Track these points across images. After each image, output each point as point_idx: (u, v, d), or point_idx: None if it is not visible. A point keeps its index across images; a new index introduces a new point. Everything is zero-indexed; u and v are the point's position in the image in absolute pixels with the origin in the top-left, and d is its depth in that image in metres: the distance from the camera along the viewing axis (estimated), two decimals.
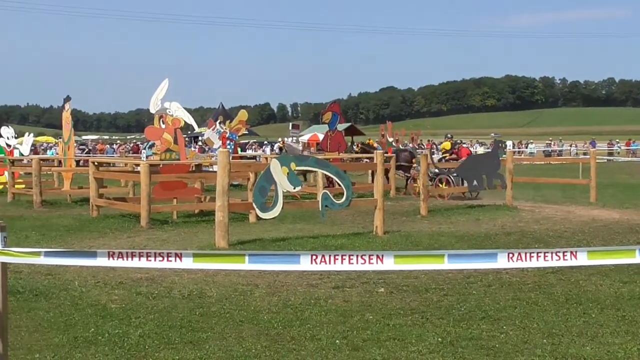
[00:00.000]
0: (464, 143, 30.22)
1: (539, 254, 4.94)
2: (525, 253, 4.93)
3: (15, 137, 29.00)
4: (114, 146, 73.07)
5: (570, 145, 72.80)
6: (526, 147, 72.06)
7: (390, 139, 34.03)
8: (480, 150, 57.77)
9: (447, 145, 29.27)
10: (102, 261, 5.23)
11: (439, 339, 6.94)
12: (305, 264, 5.06)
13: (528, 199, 22.29)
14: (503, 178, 20.00)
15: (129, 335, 7.12)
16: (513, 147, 60.61)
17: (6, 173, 24.59)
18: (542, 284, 9.51)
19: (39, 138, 75.41)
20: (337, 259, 5.00)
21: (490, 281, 9.65)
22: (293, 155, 20.36)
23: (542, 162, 52.19)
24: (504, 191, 20.35)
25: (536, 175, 32.57)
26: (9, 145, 28.11)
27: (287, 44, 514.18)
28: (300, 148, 26.21)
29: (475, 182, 19.51)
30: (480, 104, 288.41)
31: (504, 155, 20.79)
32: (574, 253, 4.96)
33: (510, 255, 4.93)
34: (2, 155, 27.28)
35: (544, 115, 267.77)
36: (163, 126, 18.06)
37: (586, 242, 13.50)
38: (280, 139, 28.44)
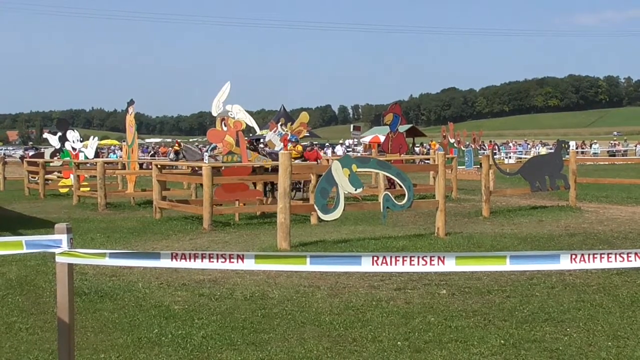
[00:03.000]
0: (315, 145, 28.99)
1: (603, 255, 4.85)
2: (589, 254, 4.85)
3: (81, 141, 29.52)
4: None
5: (636, 145, 71.32)
6: (590, 148, 70.93)
7: (452, 140, 33.84)
8: (543, 151, 57.11)
9: (298, 148, 28.69)
10: (165, 262, 5.29)
11: (502, 341, 6.87)
12: (366, 265, 5.05)
13: (592, 199, 21.95)
14: (566, 178, 19.70)
15: (192, 336, 7.20)
16: (576, 148, 59.72)
17: (72, 176, 25.05)
18: (606, 286, 9.33)
19: (104, 141, 76.72)
20: (399, 260, 4.99)
21: (553, 283, 9.52)
22: (197, 160, 20.25)
23: (607, 163, 51.28)
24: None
25: (600, 175, 32.00)
26: (74, 149, 28.64)
27: (348, 46, 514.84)
28: (196, 150, 24.23)
29: (537, 183, 19.24)
30: (542, 104, 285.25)
31: (567, 156, 20.49)
32: None
33: (573, 256, 4.85)
34: (68, 158, 27.82)
35: (608, 115, 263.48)
36: (225, 129, 18.22)
37: None
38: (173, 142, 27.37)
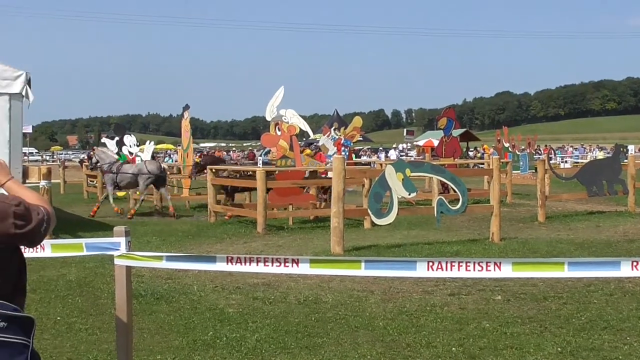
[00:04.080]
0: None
1: None
2: None
3: (137, 145, 29.84)
4: (231, 153, 74.51)
5: None
6: None
7: (507, 145, 33.53)
8: (600, 155, 56.24)
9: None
10: (221, 266, 5.32)
11: (559, 349, 6.77)
12: (421, 270, 5.02)
13: None
14: (624, 183, 19.38)
15: (246, 339, 7.23)
16: (635, 152, 58.66)
17: None
18: None
19: (159, 146, 77.63)
20: (454, 265, 4.95)
21: (612, 290, 9.35)
22: (107, 163, 20.13)
23: None
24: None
25: None
26: (131, 153, 28.92)
27: (401, 50, 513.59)
28: (111, 154, 23.39)
29: (594, 188, 18.96)
30: (599, 108, 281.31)
31: (625, 160, 20.15)
32: None
33: (635, 263, 4.76)
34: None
35: None
36: (279, 133, 18.30)
37: None
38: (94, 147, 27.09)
